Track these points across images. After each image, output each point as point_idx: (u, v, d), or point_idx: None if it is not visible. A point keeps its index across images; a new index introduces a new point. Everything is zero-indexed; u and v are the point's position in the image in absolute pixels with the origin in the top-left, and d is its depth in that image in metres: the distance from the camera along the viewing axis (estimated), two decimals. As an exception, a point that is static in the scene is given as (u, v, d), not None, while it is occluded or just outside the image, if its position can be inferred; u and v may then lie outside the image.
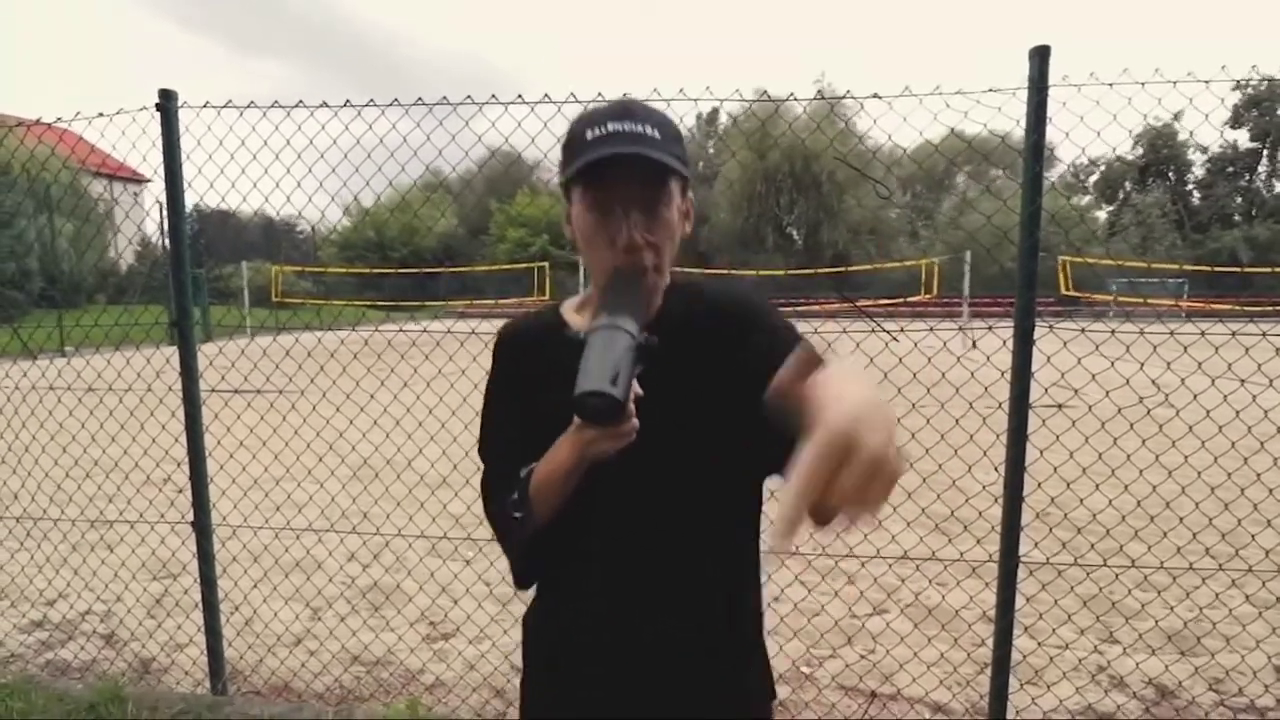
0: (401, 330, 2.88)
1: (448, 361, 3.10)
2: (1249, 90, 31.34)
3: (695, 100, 2.42)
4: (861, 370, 0.66)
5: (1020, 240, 2.23)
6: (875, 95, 2.45)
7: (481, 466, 1.06)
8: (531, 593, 1.07)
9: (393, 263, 31.33)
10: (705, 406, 0.93)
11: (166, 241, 2.65)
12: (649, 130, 0.88)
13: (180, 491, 4.44)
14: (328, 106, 2.53)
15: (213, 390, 2.80)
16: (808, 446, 0.54)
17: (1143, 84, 2.30)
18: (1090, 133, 2.26)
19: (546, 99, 2.39)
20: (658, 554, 0.96)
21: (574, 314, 1.04)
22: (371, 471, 4.03)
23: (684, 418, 0.92)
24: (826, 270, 26.88)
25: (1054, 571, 3.18)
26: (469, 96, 2.50)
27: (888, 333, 2.51)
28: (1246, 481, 3.22)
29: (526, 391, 1.00)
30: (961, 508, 3.28)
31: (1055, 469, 2.87)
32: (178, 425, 2.63)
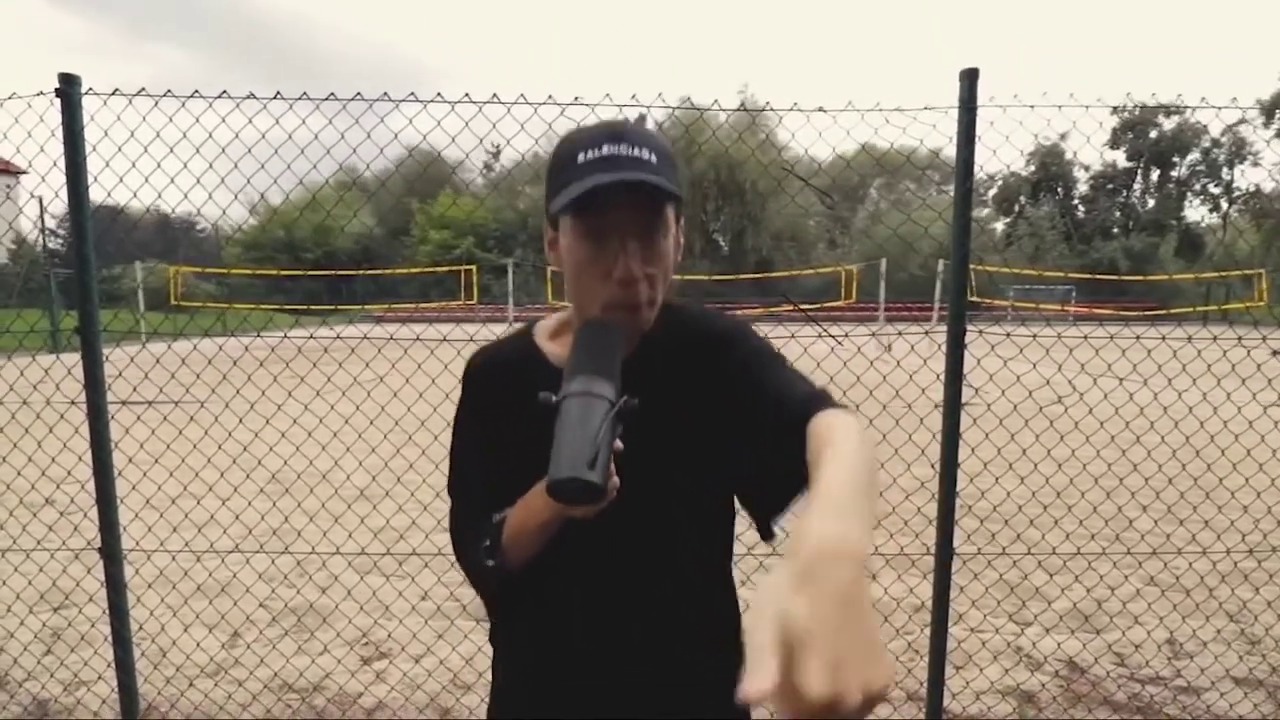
0: (312, 336, 2.74)
1: (363, 370, 2.98)
2: (1125, 114, 34.52)
3: (620, 107, 2.42)
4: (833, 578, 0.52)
5: (952, 251, 2.36)
6: (820, 109, 2.54)
7: (449, 503, 1.01)
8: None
9: (304, 264, 29.80)
10: (686, 443, 0.91)
11: (44, 240, 2.42)
12: (645, 154, 0.83)
13: (84, 515, 4.04)
14: (255, 99, 2.38)
15: (123, 403, 2.56)
16: (767, 658, 0.47)
17: (1059, 106, 2.50)
18: (1003, 150, 2.44)
19: (467, 98, 2.33)
20: (639, 593, 0.94)
21: (549, 342, 0.98)
22: (305, 487, 3.81)
23: (666, 457, 0.90)
24: (751, 275, 27.61)
25: (983, 561, 3.38)
26: (386, 94, 2.41)
27: (834, 337, 2.60)
28: (1143, 472, 3.54)
29: (500, 425, 0.96)
30: (901, 504, 3.44)
31: (973, 464, 3.06)
32: (80, 442, 2.39)
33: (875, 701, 0.48)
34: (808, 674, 0.47)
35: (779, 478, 0.81)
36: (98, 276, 2.43)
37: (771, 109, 2.54)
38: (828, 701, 0.46)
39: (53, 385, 2.67)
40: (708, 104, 2.64)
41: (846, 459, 0.67)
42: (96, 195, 2.32)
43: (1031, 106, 2.46)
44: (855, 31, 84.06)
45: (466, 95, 2.33)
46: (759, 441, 0.85)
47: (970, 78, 2.28)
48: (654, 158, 0.83)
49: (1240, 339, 2.54)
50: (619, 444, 0.76)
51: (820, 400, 0.82)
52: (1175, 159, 36.87)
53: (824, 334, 2.61)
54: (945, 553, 2.35)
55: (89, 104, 2.27)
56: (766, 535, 0.90)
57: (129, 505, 2.67)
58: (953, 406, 2.32)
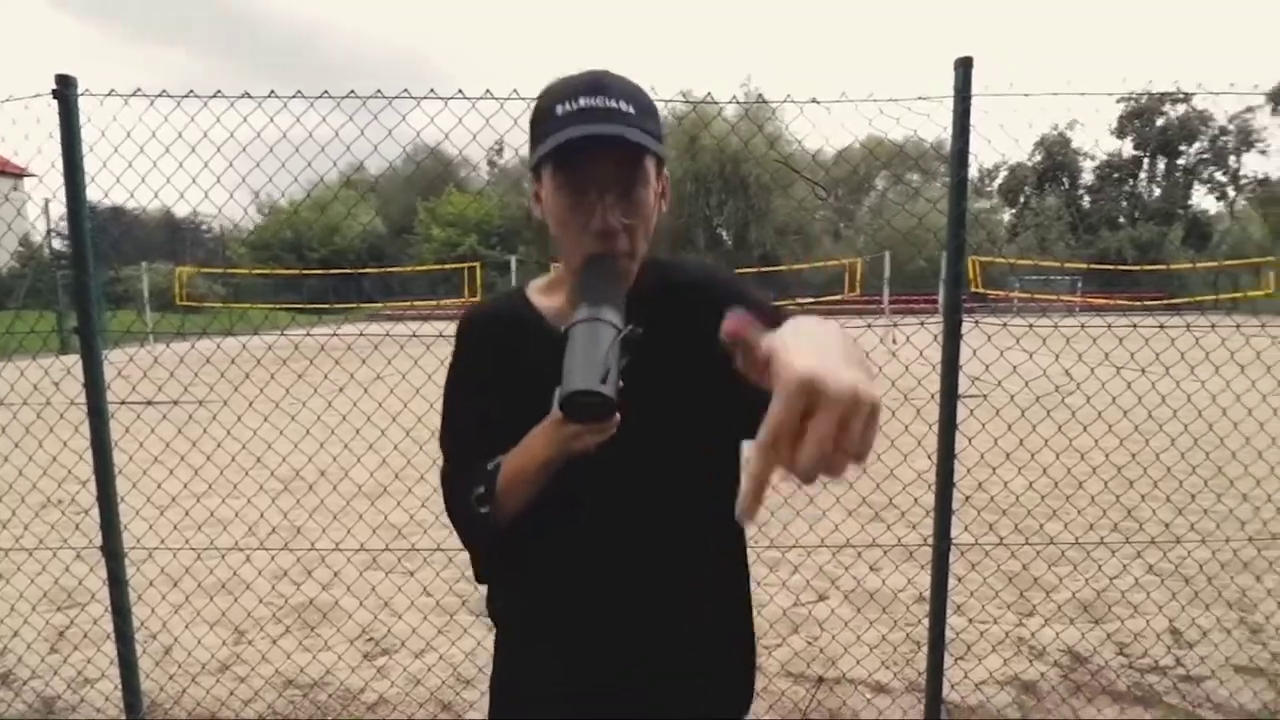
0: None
1: (360, 366, 2.99)
2: (1132, 103, 34.26)
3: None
4: (819, 322, 0.62)
5: (947, 241, 2.35)
6: (814, 100, 2.53)
7: (441, 459, 0.99)
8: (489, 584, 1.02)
9: (311, 263, 29.88)
10: (684, 383, 0.90)
11: (52, 243, 2.43)
12: (623, 105, 0.83)
13: (86, 513, 4.08)
14: (250, 97, 2.39)
15: (122, 402, 2.59)
16: (772, 401, 0.49)
17: (1055, 94, 2.48)
18: (1002, 140, 2.42)
19: (460, 94, 2.33)
20: (644, 542, 0.92)
21: (541, 296, 0.99)
22: (304, 484, 3.84)
23: (664, 398, 0.89)
24: (755, 269, 27.55)
25: (981, 552, 3.38)
26: (379, 90, 2.41)
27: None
28: (1145, 461, 3.52)
29: (494, 379, 0.95)
30: (899, 495, 3.43)
31: (974, 455, 3.05)
32: (82, 441, 2.41)
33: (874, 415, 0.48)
34: (832, 372, 0.47)
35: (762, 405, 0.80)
36: (103, 278, 2.45)
37: (764, 101, 2.53)
38: (851, 395, 0.46)
39: (54, 385, 2.70)
40: (710, 97, 2.63)
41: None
42: (95, 195, 2.34)
43: (1026, 95, 2.43)
44: (860, 24, 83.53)
45: (460, 91, 2.33)
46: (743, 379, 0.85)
47: (965, 66, 2.27)
48: (632, 109, 0.84)
49: (1238, 326, 2.52)
50: (620, 382, 0.76)
51: None
52: (1182, 147, 36.54)
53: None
54: (943, 543, 2.35)
55: (86, 105, 2.28)
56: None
57: (130, 504, 2.69)
58: (949, 397, 2.32)
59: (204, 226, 35.59)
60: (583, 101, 0.82)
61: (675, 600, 0.94)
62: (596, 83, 0.84)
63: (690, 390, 0.90)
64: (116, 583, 2.41)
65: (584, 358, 0.71)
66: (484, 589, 1.04)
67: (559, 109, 0.83)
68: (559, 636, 0.96)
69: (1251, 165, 36.60)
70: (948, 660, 2.48)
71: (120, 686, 2.46)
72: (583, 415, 0.72)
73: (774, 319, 0.90)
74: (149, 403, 3.09)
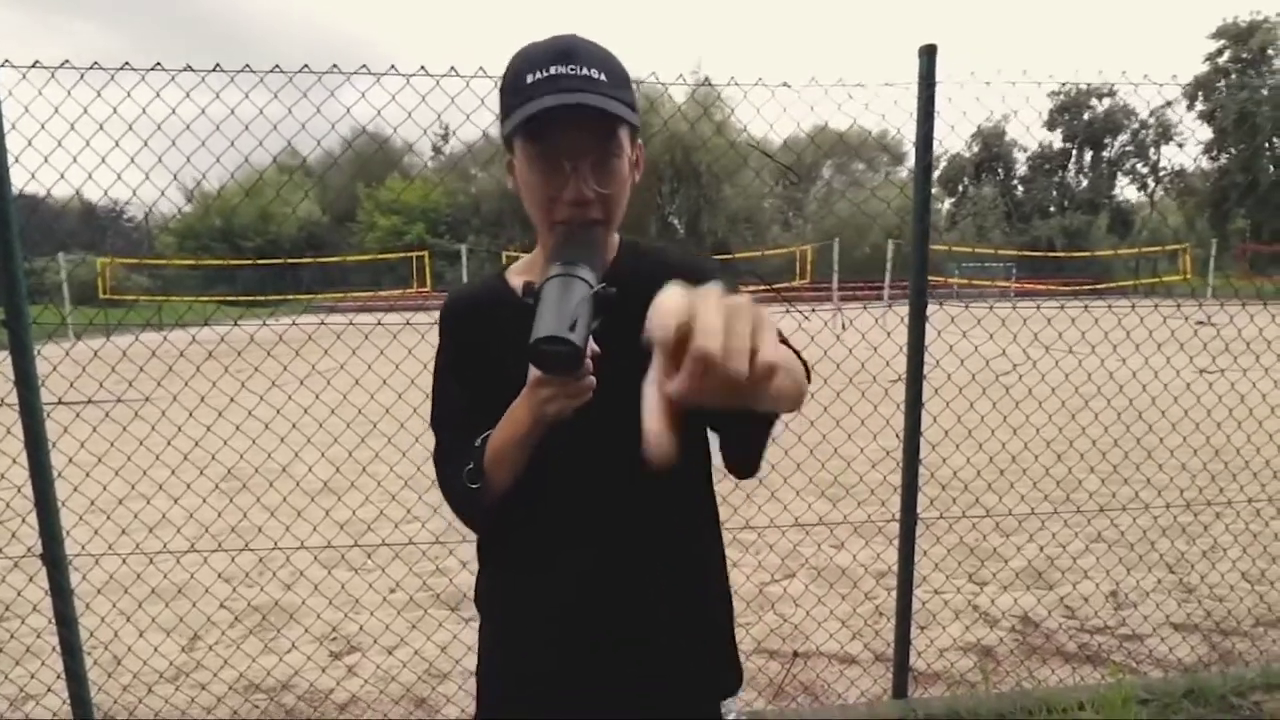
0: (265, 324, 2.64)
1: (322, 356, 2.88)
2: (1061, 96, 35.86)
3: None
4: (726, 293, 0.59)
5: (913, 225, 2.41)
6: (785, 84, 2.55)
7: (433, 440, 1.01)
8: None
9: (245, 253, 28.57)
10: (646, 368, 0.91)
11: None
12: (595, 73, 0.81)
13: (23, 520, 3.81)
14: (193, 71, 2.24)
15: (59, 401, 2.42)
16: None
17: (1014, 83, 2.57)
18: (959, 125, 2.50)
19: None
20: (621, 515, 0.94)
21: (518, 278, 1.00)
22: (264, 481, 3.68)
23: (638, 373, 0.89)
24: (709, 257, 27.77)
25: (944, 525, 3.51)
26: (335, 65, 2.32)
27: (800, 313, 2.64)
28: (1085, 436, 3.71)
29: (477, 359, 0.97)
30: (867, 473, 3.53)
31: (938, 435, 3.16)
32: (14, 444, 2.25)
33: (766, 370, 0.50)
34: (704, 307, 0.50)
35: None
36: (23, 267, 2.27)
37: (736, 83, 2.53)
38: (718, 319, 0.49)
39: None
40: (681, 79, 2.61)
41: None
42: (18, 178, 2.16)
43: (988, 83, 2.52)
44: (804, 13, 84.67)
45: (423, 68, 2.25)
46: None
47: (929, 54, 2.32)
48: (604, 76, 0.83)
49: (1179, 305, 2.68)
50: (594, 347, 0.77)
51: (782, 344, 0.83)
52: (1107, 139, 38.53)
53: (790, 310, 2.64)
54: (910, 518, 2.43)
55: (5, 79, 2.11)
56: (736, 468, 0.89)
57: (71, 508, 2.54)
58: (915, 377, 2.39)
59: (126, 215, 33.57)
60: (553, 69, 0.80)
61: (651, 569, 0.96)
62: (567, 49, 0.82)
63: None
64: (60, 593, 2.26)
65: (554, 308, 0.71)
66: (459, 581, 1.05)
67: (529, 77, 0.81)
68: (540, 612, 0.96)
69: (1169, 157, 38.84)
70: (913, 630, 2.57)
71: (68, 700, 2.32)
72: (551, 364, 0.71)
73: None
74: (89, 400, 2.90)
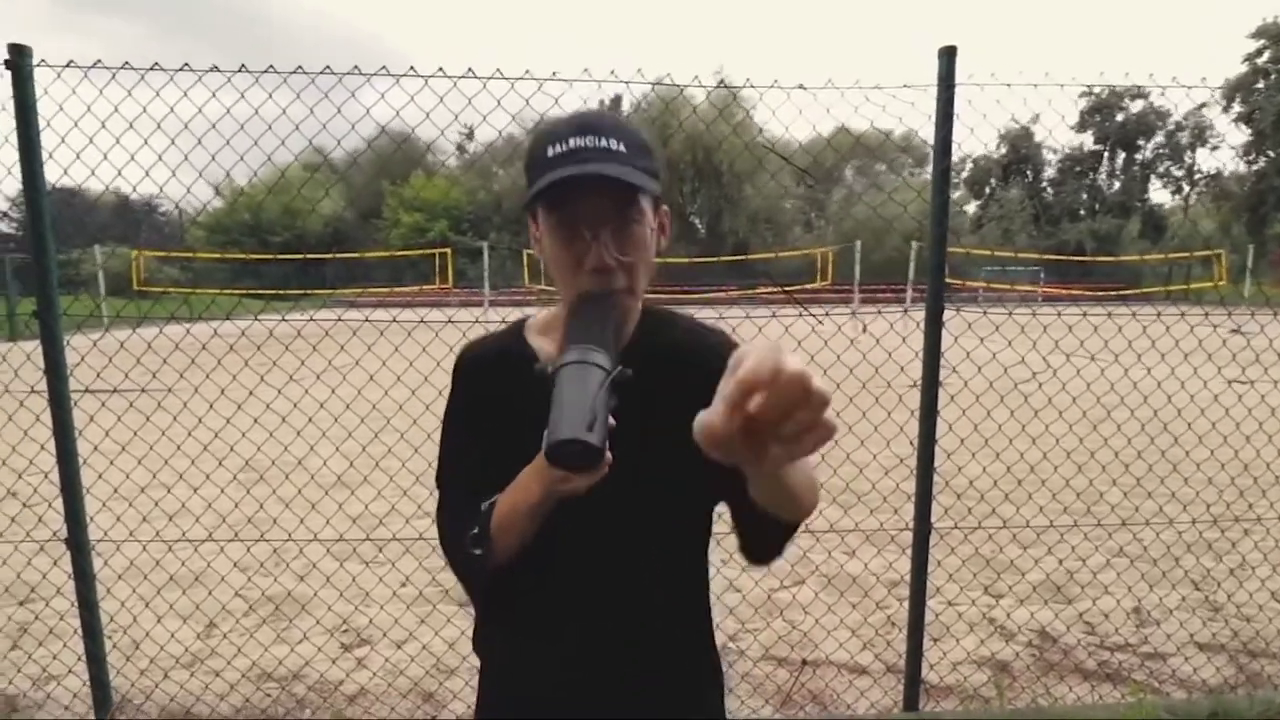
0: (284, 319, 2.67)
1: (338, 352, 2.91)
2: (1092, 97, 35.09)
3: (599, 83, 2.38)
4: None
5: (930, 228, 2.37)
6: (800, 86, 2.52)
7: (437, 495, 1.00)
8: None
9: (273, 248, 29.05)
10: (671, 440, 0.89)
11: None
12: (613, 144, 0.83)
13: (49, 505, 3.91)
14: (219, 71, 2.29)
15: (85, 390, 2.48)
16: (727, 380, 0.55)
17: (1036, 85, 2.51)
18: (980, 129, 2.45)
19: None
20: (630, 583, 0.95)
21: (539, 337, 0.99)
22: (280, 473, 3.74)
23: (652, 451, 0.90)
24: (728, 258, 27.65)
25: (959, 536, 3.45)
26: (357, 67, 2.34)
27: (814, 316, 2.61)
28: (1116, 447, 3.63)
29: (490, 419, 0.96)
30: (880, 481, 3.48)
31: (952, 442, 3.11)
32: (43, 431, 2.31)
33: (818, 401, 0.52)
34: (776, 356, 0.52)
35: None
36: (55, 260, 2.33)
37: (752, 85, 2.52)
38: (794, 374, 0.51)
39: (11, 372, 2.57)
40: (697, 80, 2.60)
41: None
42: (52, 174, 2.22)
43: (1009, 85, 2.46)
44: (829, 15, 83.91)
45: (440, 69, 2.27)
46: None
47: (949, 55, 2.28)
48: (623, 147, 0.84)
49: (1207, 314, 2.60)
50: (612, 421, 0.76)
51: None
52: (1140, 141, 37.62)
53: (805, 313, 2.61)
54: (923, 527, 2.39)
55: (41, 77, 2.16)
56: (753, 559, 0.91)
57: (95, 495, 2.59)
58: (930, 383, 2.35)
59: (160, 209, 34.31)
60: (573, 142, 0.83)
61: (644, 639, 0.97)
62: (586, 122, 0.85)
63: (672, 449, 0.89)
64: (82, 576, 2.32)
65: (571, 404, 0.70)
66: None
67: (550, 150, 0.84)
68: (544, 673, 0.97)
69: (1205, 161, 37.82)
70: (926, 642, 2.53)
71: (88, 682, 2.38)
72: (570, 463, 0.71)
73: None
74: (114, 390, 2.97)
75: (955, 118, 2.33)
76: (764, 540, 0.89)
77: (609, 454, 0.75)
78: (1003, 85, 2.45)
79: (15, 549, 3.00)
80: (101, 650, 2.38)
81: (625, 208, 0.84)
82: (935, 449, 2.38)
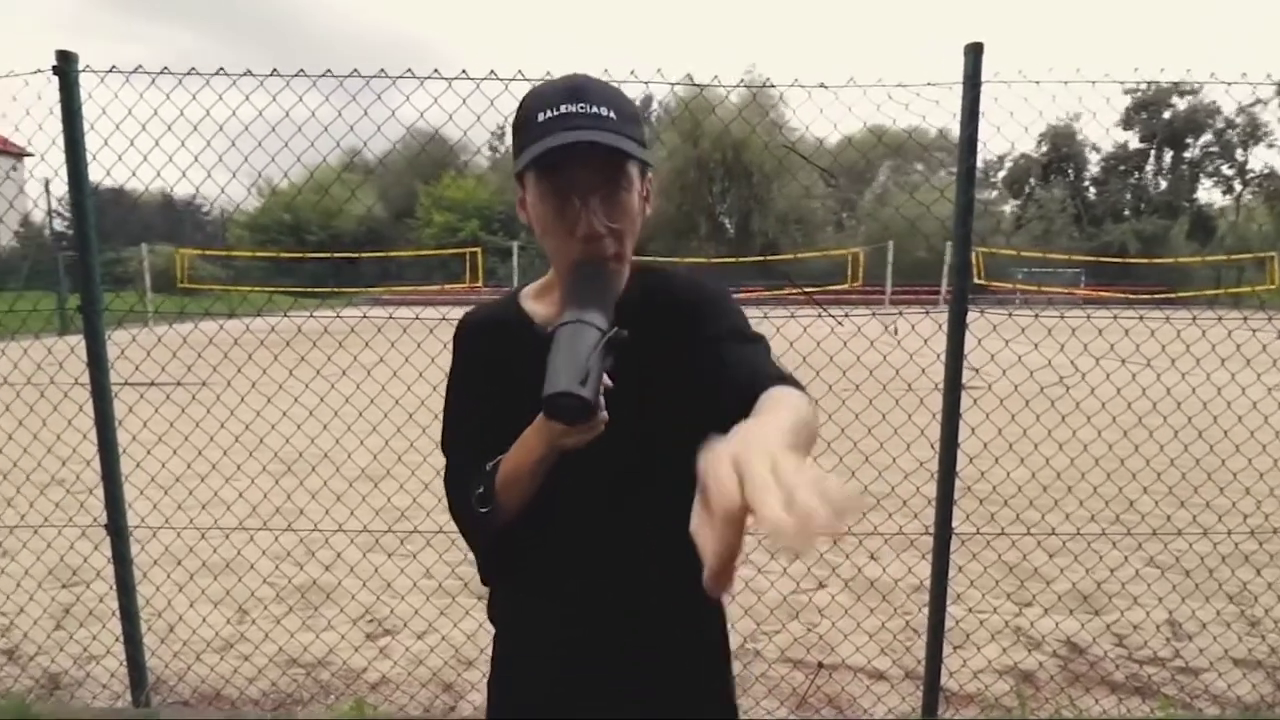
0: (312, 315, 2.75)
1: (364, 349, 2.99)
2: (1139, 94, 33.96)
3: (621, 83, 2.39)
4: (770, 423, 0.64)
5: (954, 229, 2.33)
6: (821, 85, 2.50)
7: (444, 460, 1.02)
8: (486, 585, 1.06)
9: (309, 246, 29.75)
10: (667, 390, 0.93)
11: (53, 223, 2.42)
12: (604, 111, 0.84)
13: (90, 492, 4.09)
14: (253, 75, 2.36)
15: (125, 382, 2.58)
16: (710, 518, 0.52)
17: (1066, 82, 2.45)
18: (1009, 128, 2.40)
19: (464, 75, 2.30)
20: (629, 541, 0.96)
21: (533, 303, 1.02)
22: (307, 465, 3.84)
23: (649, 402, 0.92)
24: (757, 259, 27.44)
25: (982, 541, 3.39)
26: (383, 70, 2.39)
27: (834, 317, 2.58)
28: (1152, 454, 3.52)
29: (490, 382, 0.98)
30: (900, 484, 3.44)
31: (975, 447, 3.05)
32: (85, 421, 2.42)
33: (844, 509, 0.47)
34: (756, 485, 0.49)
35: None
36: (102, 258, 2.44)
37: (772, 85, 2.50)
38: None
39: (57, 365, 2.69)
40: (717, 80, 2.60)
41: (786, 412, 0.69)
42: (96, 175, 2.32)
43: (1037, 82, 2.41)
44: (865, 10, 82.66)
45: (463, 71, 2.31)
46: (717, 411, 0.85)
47: (975, 52, 2.24)
48: (613, 114, 0.85)
49: (1245, 319, 2.51)
50: (608, 381, 0.79)
51: (781, 379, 0.83)
52: (1189, 140, 36.26)
53: (824, 314, 2.59)
54: (944, 532, 2.36)
55: (86, 82, 2.26)
56: None
57: (134, 483, 2.70)
58: (953, 386, 2.31)
59: (204, 209, 35.41)
60: (563, 108, 0.83)
61: (656, 588, 0.97)
62: (577, 89, 0.85)
63: (670, 398, 0.93)
64: (121, 560, 2.42)
65: (566, 360, 0.73)
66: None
67: (540, 116, 0.84)
68: (547, 630, 0.99)
69: (1259, 158, 36.31)
70: (946, 649, 2.49)
71: (125, 663, 2.49)
72: (564, 416, 0.74)
73: (753, 341, 0.92)
74: (152, 383, 3.08)
75: (981, 116, 2.29)
76: None
77: (604, 411, 0.78)
78: (1031, 83, 2.40)
79: (59, 533, 3.15)
80: (138, 632, 2.48)
81: (615, 175, 0.85)
82: (958, 453, 2.35)
